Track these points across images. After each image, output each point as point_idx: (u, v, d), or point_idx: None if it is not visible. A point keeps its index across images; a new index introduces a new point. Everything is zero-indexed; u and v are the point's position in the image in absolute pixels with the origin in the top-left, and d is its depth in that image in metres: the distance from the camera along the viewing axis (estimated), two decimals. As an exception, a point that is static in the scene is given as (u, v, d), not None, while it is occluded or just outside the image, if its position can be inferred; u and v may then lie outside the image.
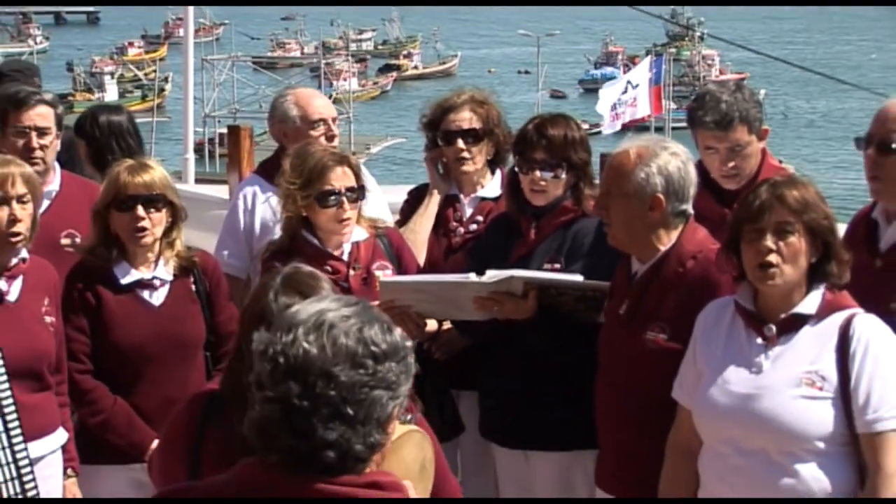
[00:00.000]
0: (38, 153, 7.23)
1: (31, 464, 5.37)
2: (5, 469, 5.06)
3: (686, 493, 5.33)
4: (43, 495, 5.46)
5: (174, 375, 6.22)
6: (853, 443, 4.94)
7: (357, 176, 6.49)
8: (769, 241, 4.90)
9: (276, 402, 3.00)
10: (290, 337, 3.03)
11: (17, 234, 6.01)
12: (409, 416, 4.06)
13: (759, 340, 5.06)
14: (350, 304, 3.16)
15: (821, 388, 4.94)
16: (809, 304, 5.00)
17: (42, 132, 7.27)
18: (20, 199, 6.07)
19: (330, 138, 7.40)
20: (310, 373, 2.98)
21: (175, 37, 74.81)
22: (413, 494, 3.55)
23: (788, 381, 4.98)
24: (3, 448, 5.08)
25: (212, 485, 3.34)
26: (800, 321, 5.01)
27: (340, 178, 6.37)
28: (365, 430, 3.02)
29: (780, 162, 7.04)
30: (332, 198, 6.33)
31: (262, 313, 4.12)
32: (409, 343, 3.17)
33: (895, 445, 4.89)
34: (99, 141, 8.25)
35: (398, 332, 3.16)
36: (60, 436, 6.21)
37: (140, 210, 6.20)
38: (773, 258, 4.90)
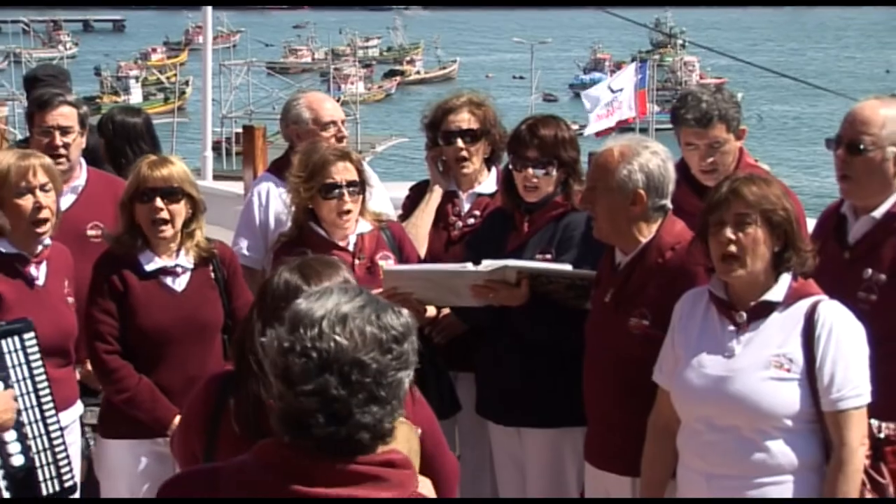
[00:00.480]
0: (62, 150, 7.27)
1: (62, 433, 5.39)
2: (38, 441, 5.08)
3: (665, 469, 5.40)
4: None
5: (194, 356, 6.24)
6: (819, 420, 4.99)
7: (359, 171, 6.52)
8: (729, 232, 4.97)
9: (313, 395, 2.98)
10: (315, 331, 3.00)
11: (44, 220, 6.08)
12: (417, 429, 4.11)
13: (731, 327, 5.10)
14: (358, 294, 3.15)
15: (788, 370, 4.99)
16: (777, 292, 5.05)
17: (65, 131, 7.30)
18: (42, 188, 6.14)
19: (340, 139, 7.41)
20: (343, 363, 2.97)
21: (195, 43, 74.60)
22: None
23: (758, 364, 5.02)
24: (36, 421, 5.10)
25: (236, 467, 3.29)
26: (768, 308, 5.05)
27: (342, 172, 6.40)
28: (393, 408, 3.04)
29: (756, 161, 7.05)
30: (335, 190, 6.37)
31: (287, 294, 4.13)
32: (414, 321, 3.19)
33: (857, 422, 4.95)
34: (113, 141, 8.28)
35: (406, 312, 3.18)
36: (79, 407, 6.32)
37: (159, 202, 6.23)
38: (733, 248, 4.96)
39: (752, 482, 5.04)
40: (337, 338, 2.99)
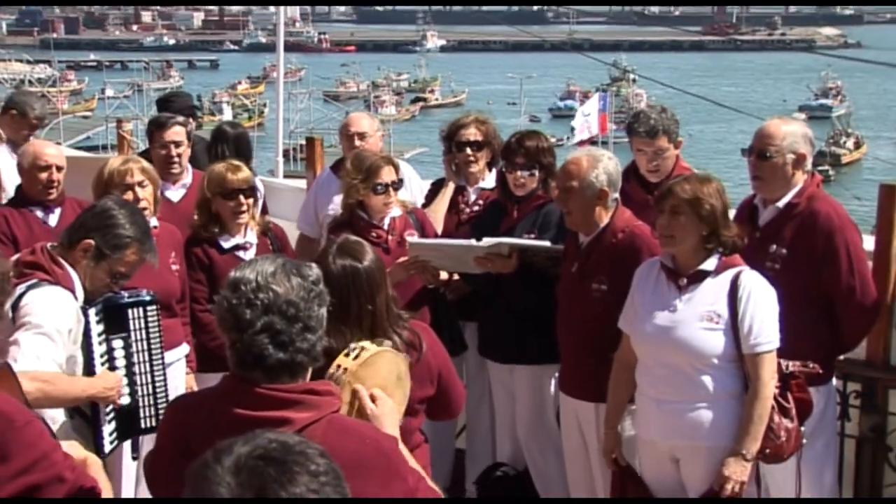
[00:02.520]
0: (176, 159, 7.32)
1: (165, 368, 5.30)
2: (144, 387, 5.04)
3: (626, 393, 5.40)
4: (172, 390, 5.40)
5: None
6: (739, 360, 4.98)
7: (397, 172, 6.48)
8: (664, 220, 5.03)
9: (263, 332, 3.05)
10: (254, 286, 3.10)
11: (143, 209, 5.96)
12: (404, 355, 3.99)
13: (675, 289, 5.11)
14: (276, 259, 3.26)
15: (717, 323, 5.00)
16: (710, 263, 5.05)
17: (177, 144, 7.34)
18: (140, 185, 6.11)
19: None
20: (281, 304, 3.07)
21: (270, 77, 74.67)
22: (386, 400, 3.60)
23: (694, 317, 5.03)
24: (145, 372, 5.04)
25: (208, 392, 3.47)
26: (703, 275, 5.05)
27: (388, 174, 6.35)
28: (320, 336, 3.14)
29: (688, 165, 7.01)
30: (382, 188, 6.31)
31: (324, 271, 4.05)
32: (320, 271, 3.28)
33: (769, 362, 4.96)
34: (214, 147, 8.22)
35: (314, 266, 3.30)
36: (184, 348, 6.24)
37: (241, 198, 6.30)
38: (667, 231, 5.02)
39: (690, 406, 5.04)
40: (274, 287, 3.08)
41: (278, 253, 3.35)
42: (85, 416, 4.79)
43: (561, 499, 6.31)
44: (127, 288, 5.08)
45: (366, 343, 3.73)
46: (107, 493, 3.71)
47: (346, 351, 3.66)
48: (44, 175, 6.74)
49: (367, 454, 3.04)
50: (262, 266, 3.17)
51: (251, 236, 6.39)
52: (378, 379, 3.61)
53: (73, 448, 3.79)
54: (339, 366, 3.57)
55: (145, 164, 6.35)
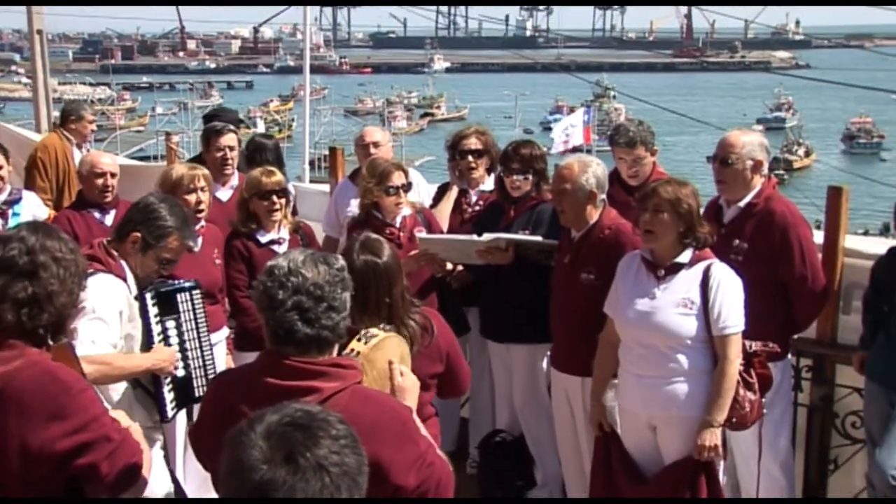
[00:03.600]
0: (230, 162, 7.39)
1: (212, 345, 5.31)
2: (195, 360, 5.02)
3: (610, 370, 5.35)
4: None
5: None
6: (709, 341, 4.97)
7: (406, 176, 6.43)
8: (647, 217, 4.98)
9: (293, 310, 3.09)
10: (286, 271, 3.13)
11: (202, 210, 6.11)
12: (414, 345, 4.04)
13: (654, 279, 5.07)
14: (305, 250, 3.30)
15: (690, 308, 4.97)
16: (685, 256, 5.03)
17: (231, 149, 7.40)
18: (202, 190, 6.16)
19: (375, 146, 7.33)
20: (309, 286, 3.10)
21: (298, 96, 74.87)
22: (410, 375, 3.62)
23: (671, 304, 5.00)
24: (195, 348, 5.03)
25: (243, 369, 3.52)
26: (678, 267, 5.03)
27: (398, 178, 6.31)
28: (342, 315, 3.15)
29: (663, 171, 6.98)
30: (394, 191, 6.27)
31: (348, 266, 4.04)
32: (344, 267, 3.29)
33: (735, 343, 4.95)
34: (253, 152, 8.21)
35: (340, 258, 3.32)
36: (225, 331, 6.24)
37: (274, 199, 6.28)
38: (648, 227, 4.98)
39: (666, 380, 5.02)
40: (303, 271, 3.12)
41: (301, 248, 3.36)
42: (145, 387, 4.80)
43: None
44: (173, 278, 5.07)
45: (374, 329, 3.75)
46: (146, 455, 3.69)
47: (357, 336, 3.68)
48: (100, 181, 6.76)
49: (384, 420, 3.04)
50: (293, 255, 3.21)
51: (284, 233, 6.36)
52: (386, 357, 3.63)
53: (119, 416, 3.78)
54: (352, 349, 3.59)
55: (207, 172, 6.38)
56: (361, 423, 2.68)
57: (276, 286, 3.12)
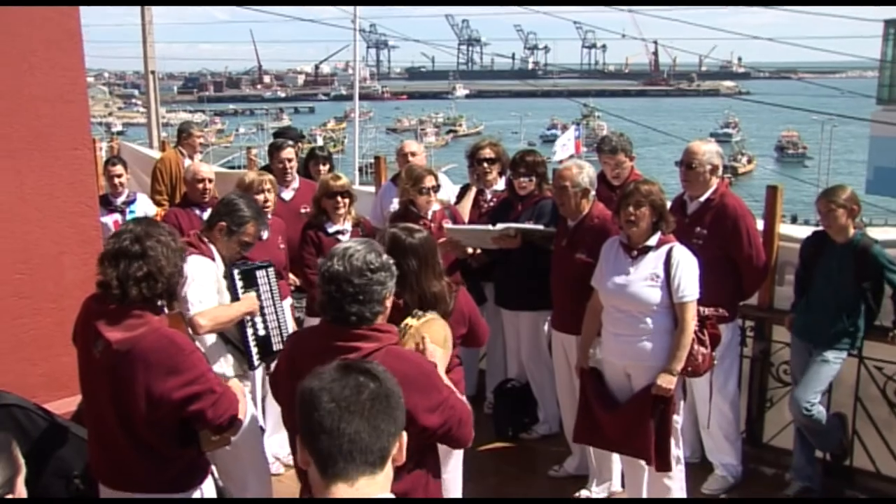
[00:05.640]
0: (289, 170, 7.29)
1: (284, 310, 5.31)
2: (273, 321, 5.00)
3: (595, 329, 5.29)
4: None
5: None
6: (671, 307, 4.90)
7: (436, 179, 6.38)
8: (630, 209, 4.90)
9: (325, 295, 3.07)
10: (329, 262, 3.08)
11: (268, 207, 6.04)
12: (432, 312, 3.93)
13: (629, 259, 5.00)
14: (362, 243, 3.17)
15: (656, 281, 4.90)
16: (653, 240, 4.95)
17: (290, 160, 7.30)
18: (268, 191, 6.14)
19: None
20: (338, 279, 3.05)
21: (350, 117, 74.98)
22: (438, 354, 3.53)
23: (641, 278, 4.94)
24: (274, 311, 5.01)
25: (310, 330, 3.46)
26: (648, 249, 4.95)
27: (429, 181, 6.27)
28: (369, 306, 3.06)
29: (640, 173, 6.92)
30: (426, 190, 6.25)
31: (395, 243, 4.02)
32: (391, 261, 3.18)
33: (690, 308, 4.88)
34: (308, 162, 8.21)
35: (385, 256, 3.17)
36: (288, 300, 6.20)
37: (340, 198, 6.21)
38: (632, 217, 4.89)
39: (638, 338, 4.96)
40: (337, 266, 3.06)
41: (367, 240, 3.31)
42: (235, 344, 4.80)
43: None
44: (252, 259, 5.07)
45: (422, 311, 3.72)
46: (243, 405, 3.72)
47: (413, 314, 3.65)
48: (200, 185, 6.78)
49: (412, 373, 3.00)
50: (350, 244, 3.16)
51: (347, 225, 6.28)
52: (431, 336, 3.59)
53: (224, 375, 3.85)
54: (406, 324, 3.57)
55: (272, 177, 6.36)
56: (394, 374, 2.70)
57: (333, 267, 3.08)
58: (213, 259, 4.76)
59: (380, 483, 2.00)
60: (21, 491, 2.15)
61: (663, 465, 5.03)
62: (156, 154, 11.06)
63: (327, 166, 8.11)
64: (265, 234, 5.16)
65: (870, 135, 41.05)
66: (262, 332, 4.91)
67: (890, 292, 5.34)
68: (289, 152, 7.34)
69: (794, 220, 30.93)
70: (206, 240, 4.80)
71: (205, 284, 4.56)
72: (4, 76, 4.98)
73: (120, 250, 3.49)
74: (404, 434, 2.08)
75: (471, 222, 6.65)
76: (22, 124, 5.08)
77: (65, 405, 4.89)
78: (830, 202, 5.35)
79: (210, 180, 6.85)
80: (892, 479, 5.68)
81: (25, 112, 5.09)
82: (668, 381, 4.89)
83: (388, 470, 2.03)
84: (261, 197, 6.04)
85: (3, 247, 5.07)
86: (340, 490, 1.96)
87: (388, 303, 3.17)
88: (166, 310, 3.66)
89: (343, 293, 3.04)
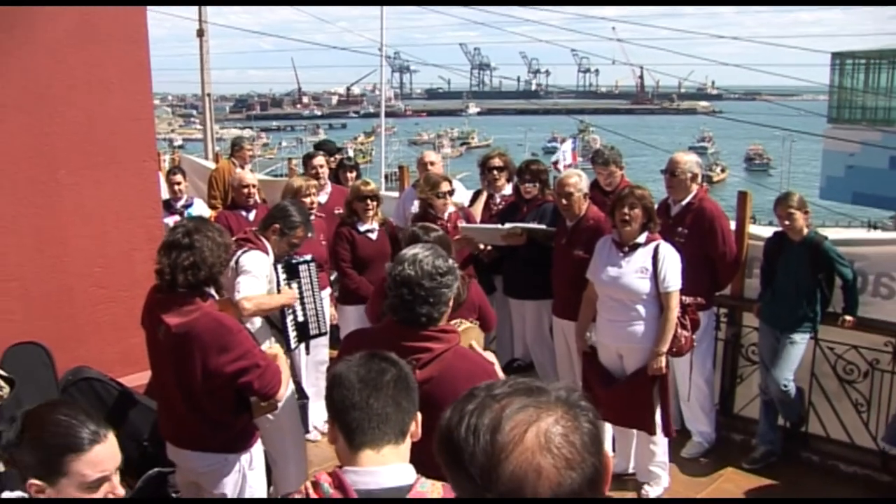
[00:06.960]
0: (322, 176, 7.31)
1: (322, 300, 5.30)
2: (311, 308, 5.00)
3: (590, 315, 5.24)
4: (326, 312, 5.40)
5: (381, 267, 6.04)
6: (658, 297, 4.89)
7: (451, 185, 6.38)
8: (625, 210, 4.89)
9: (397, 297, 2.87)
10: (401, 267, 2.89)
11: (313, 208, 6.04)
12: (472, 320, 3.94)
13: (620, 253, 4.98)
14: (430, 249, 2.97)
15: (644, 274, 4.89)
16: (641, 238, 4.93)
17: (321, 166, 7.35)
18: (312, 194, 6.16)
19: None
20: (410, 282, 2.85)
21: (377, 132, 75.18)
22: (491, 356, 3.37)
23: (632, 271, 4.92)
24: (313, 301, 5.01)
25: (373, 330, 3.26)
26: (638, 245, 4.94)
27: (445, 187, 6.26)
28: (438, 307, 2.87)
29: (629, 181, 6.89)
30: (442, 195, 6.23)
31: (414, 239, 4.02)
32: (455, 265, 3.01)
33: (674, 297, 4.87)
34: (337, 171, 8.19)
35: (451, 260, 2.98)
36: (328, 290, 6.21)
37: (369, 202, 6.20)
38: (626, 218, 4.88)
39: (629, 323, 4.95)
40: (408, 270, 2.86)
41: (432, 245, 3.16)
42: (275, 325, 4.80)
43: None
44: (298, 254, 5.07)
45: (460, 321, 3.65)
46: (285, 376, 3.72)
47: (452, 322, 3.53)
48: (245, 190, 6.78)
49: (475, 370, 2.88)
50: (418, 250, 2.97)
51: (374, 225, 6.26)
52: (468, 340, 3.48)
53: (271, 350, 3.86)
54: None
55: (315, 182, 6.37)
56: (461, 371, 2.68)
57: (402, 272, 2.89)
58: (268, 253, 4.79)
59: (401, 453, 2.01)
60: (118, 487, 2.17)
61: (667, 432, 5.14)
62: (211, 165, 11.08)
63: (354, 173, 8.18)
64: (311, 235, 5.17)
65: (822, 149, 41.16)
66: (300, 319, 4.91)
67: (840, 283, 5.34)
68: (319, 160, 7.38)
69: (753, 221, 30.76)
70: (262, 237, 4.82)
71: (258, 275, 4.57)
72: (88, 102, 5.06)
73: (173, 242, 3.53)
74: (419, 413, 2.08)
75: (482, 222, 6.63)
76: (101, 141, 5.16)
77: (137, 379, 4.96)
78: (789, 207, 5.37)
79: (254, 186, 6.87)
80: (841, 443, 5.72)
81: (104, 130, 5.17)
82: (658, 361, 4.89)
83: (408, 442, 2.05)
84: (307, 200, 6.04)
85: (85, 245, 5.14)
86: (368, 455, 1.98)
87: (451, 304, 3.04)
88: (216, 296, 3.67)
89: (415, 296, 2.85)
